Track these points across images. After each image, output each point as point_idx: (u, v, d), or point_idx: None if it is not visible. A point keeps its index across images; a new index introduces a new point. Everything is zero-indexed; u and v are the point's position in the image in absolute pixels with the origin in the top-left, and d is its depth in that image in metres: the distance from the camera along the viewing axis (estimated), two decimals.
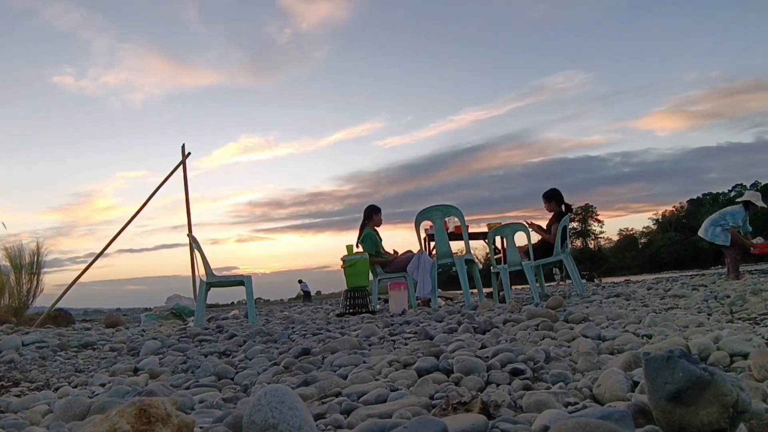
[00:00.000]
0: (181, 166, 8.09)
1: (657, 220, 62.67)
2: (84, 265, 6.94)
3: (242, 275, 5.27)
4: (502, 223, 6.55)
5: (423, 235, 6.55)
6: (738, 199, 6.91)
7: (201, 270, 5.14)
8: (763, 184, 54.02)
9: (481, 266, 7.09)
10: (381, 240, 6.35)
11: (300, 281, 25.61)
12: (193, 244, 5.22)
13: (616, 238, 64.57)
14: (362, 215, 6.46)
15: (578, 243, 64.58)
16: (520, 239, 6.22)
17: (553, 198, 6.45)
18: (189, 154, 8.21)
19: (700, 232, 6.89)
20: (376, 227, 6.39)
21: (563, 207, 6.45)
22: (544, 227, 6.43)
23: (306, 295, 24.94)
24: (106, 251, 6.98)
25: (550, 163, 79.44)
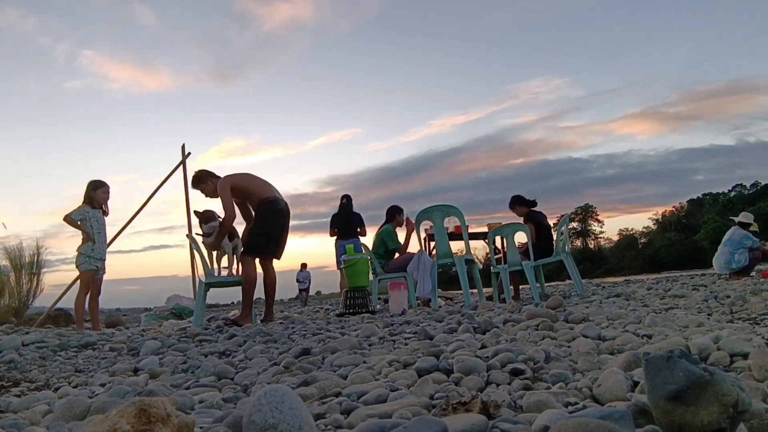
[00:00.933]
0: (181, 166, 8.09)
1: (657, 220, 62.70)
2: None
3: (241, 275, 5.26)
4: (503, 223, 6.57)
5: (423, 235, 6.55)
6: (737, 219, 7.11)
7: (200, 270, 5.13)
8: (763, 183, 54.09)
9: (481, 266, 7.12)
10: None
11: (303, 267, 17.57)
12: (193, 244, 5.20)
13: (616, 238, 64.64)
14: (384, 216, 6.61)
15: (578, 243, 64.58)
16: (520, 239, 6.23)
17: (515, 203, 6.72)
18: (189, 154, 8.22)
19: (722, 264, 6.91)
20: (397, 227, 6.59)
21: (527, 205, 6.67)
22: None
23: (303, 293, 17.25)
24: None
25: (532, 165, 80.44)
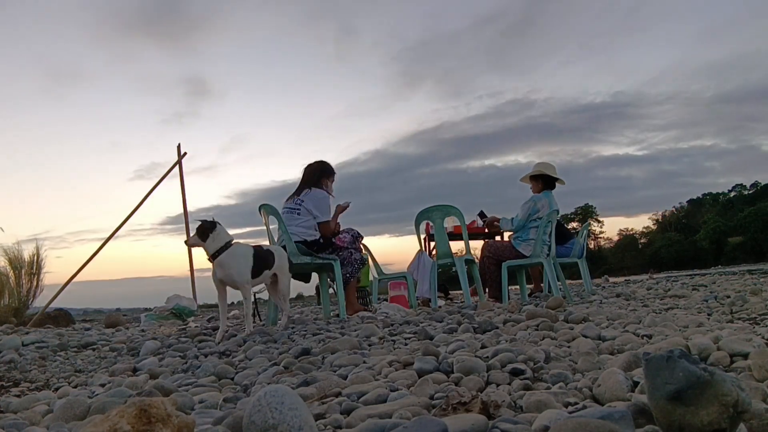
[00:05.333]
0: (177, 166, 8.10)
1: (657, 220, 62.78)
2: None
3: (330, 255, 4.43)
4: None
5: (423, 235, 6.53)
6: None
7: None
8: (763, 183, 54.17)
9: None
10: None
11: None
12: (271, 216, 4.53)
13: (616, 238, 64.68)
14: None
15: None
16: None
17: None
18: (185, 154, 8.22)
19: None
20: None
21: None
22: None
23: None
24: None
25: (451, 173, 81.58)
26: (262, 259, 3.63)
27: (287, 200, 4.62)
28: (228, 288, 3.64)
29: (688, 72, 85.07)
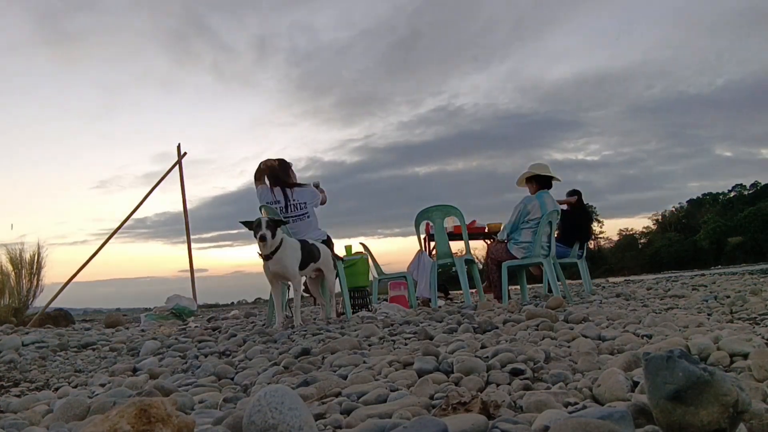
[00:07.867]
0: (177, 166, 8.10)
1: (657, 220, 62.80)
2: None
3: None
4: (503, 224, 6.54)
5: (423, 235, 6.53)
6: None
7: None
8: (763, 183, 54.21)
9: (480, 266, 7.07)
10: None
11: None
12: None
13: (616, 238, 64.66)
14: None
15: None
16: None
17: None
18: (185, 153, 8.23)
19: None
20: None
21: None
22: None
23: None
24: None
25: (401, 179, 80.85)
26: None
27: (278, 204, 4.57)
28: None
29: (595, 81, 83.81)
